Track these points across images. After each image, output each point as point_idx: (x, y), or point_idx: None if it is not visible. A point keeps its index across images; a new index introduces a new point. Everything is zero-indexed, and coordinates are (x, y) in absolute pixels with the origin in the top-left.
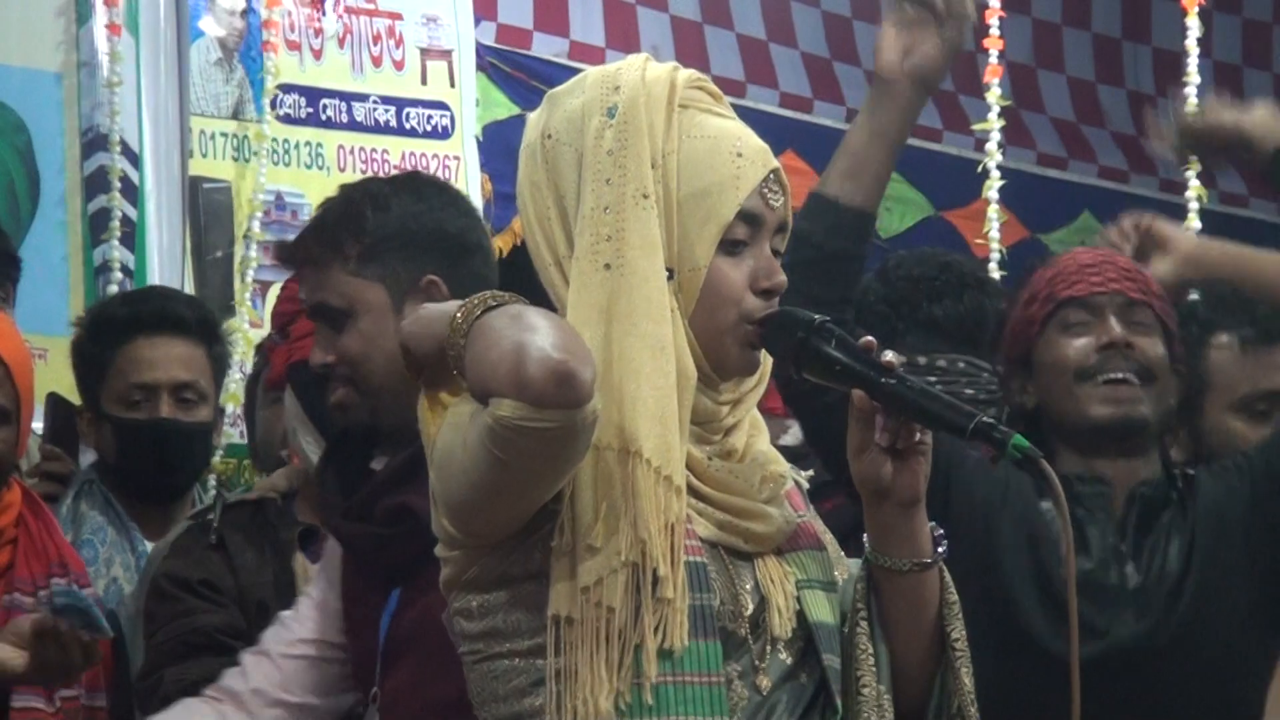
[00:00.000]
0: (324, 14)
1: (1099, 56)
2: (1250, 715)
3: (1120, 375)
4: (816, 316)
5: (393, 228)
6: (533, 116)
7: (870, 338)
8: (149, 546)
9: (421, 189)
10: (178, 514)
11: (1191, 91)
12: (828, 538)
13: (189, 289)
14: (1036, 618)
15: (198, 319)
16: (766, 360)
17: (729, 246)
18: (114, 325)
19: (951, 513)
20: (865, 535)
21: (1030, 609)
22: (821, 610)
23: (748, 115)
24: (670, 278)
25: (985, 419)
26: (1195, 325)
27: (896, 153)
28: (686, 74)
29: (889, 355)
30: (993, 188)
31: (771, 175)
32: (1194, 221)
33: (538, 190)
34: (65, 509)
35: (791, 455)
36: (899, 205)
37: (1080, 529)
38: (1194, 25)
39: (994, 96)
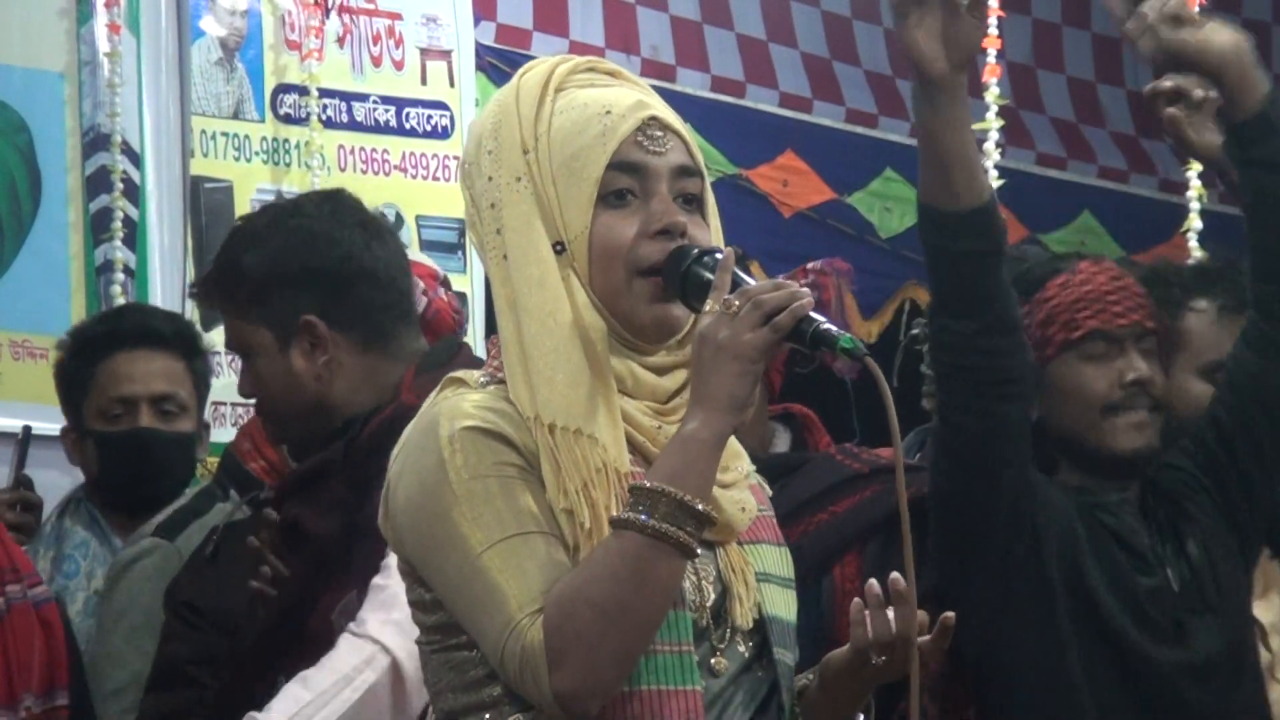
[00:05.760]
0: (326, 14)
1: (1099, 56)
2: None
3: (1144, 412)
4: (699, 248)
5: (266, 272)
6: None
7: (730, 249)
8: None
9: (294, 224)
10: None
11: None
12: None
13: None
14: (1126, 625)
15: (176, 332)
16: None
17: (612, 200)
18: (93, 342)
19: (1044, 551)
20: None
21: (1120, 619)
22: (777, 605)
23: (748, 115)
24: (563, 251)
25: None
26: (1178, 287)
27: (972, 137)
28: (575, 61)
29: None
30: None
31: (649, 122)
32: (1194, 221)
33: (470, 211)
34: (50, 526)
35: (782, 463)
36: (899, 205)
37: (1127, 540)
38: None
39: (993, 96)
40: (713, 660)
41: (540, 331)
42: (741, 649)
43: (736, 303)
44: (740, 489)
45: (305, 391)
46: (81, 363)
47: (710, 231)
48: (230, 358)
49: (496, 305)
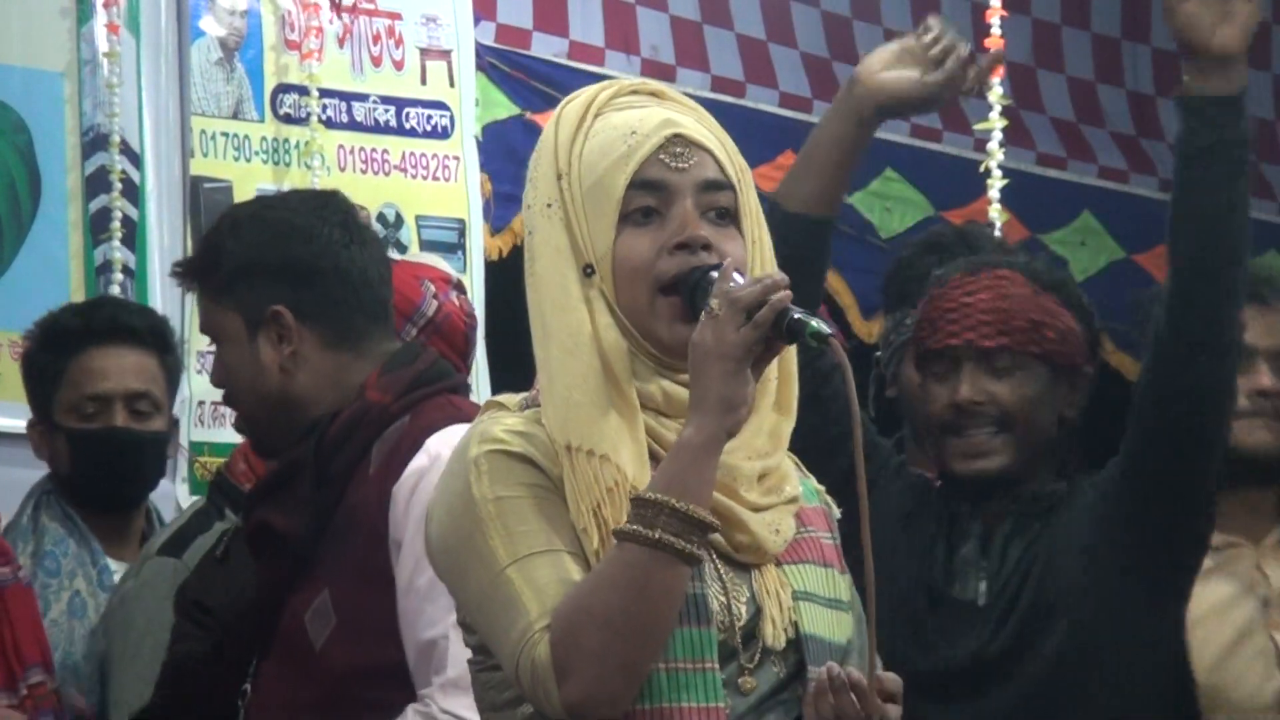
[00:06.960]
0: (326, 14)
1: (1099, 56)
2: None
3: (973, 434)
4: (708, 265)
5: (243, 258)
6: None
7: (731, 258)
8: (108, 560)
9: (276, 216)
10: (134, 525)
11: None
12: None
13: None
14: (900, 638)
15: (150, 328)
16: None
17: (636, 218)
18: (66, 335)
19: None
20: None
21: (898, 629)
22: (818, 624)
23: (748, 115)
24: (593, 273)
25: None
26: None
27: (849, 163)
28: (620, 85)
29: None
30: (994, 187)
31: (673, 139)
32: None
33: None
34: (25, 520)
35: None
36: (899, 205)
37: (954, 547)
38: None
39: (995, 96)
40: (740, 680)
41: (562, 355)
42: (776, 669)
43: (720, 306)
44: (779, 511)
45: (269, 382)
46: (53, 355)
47: (746, 242)
48: None
49: (531, 328)
